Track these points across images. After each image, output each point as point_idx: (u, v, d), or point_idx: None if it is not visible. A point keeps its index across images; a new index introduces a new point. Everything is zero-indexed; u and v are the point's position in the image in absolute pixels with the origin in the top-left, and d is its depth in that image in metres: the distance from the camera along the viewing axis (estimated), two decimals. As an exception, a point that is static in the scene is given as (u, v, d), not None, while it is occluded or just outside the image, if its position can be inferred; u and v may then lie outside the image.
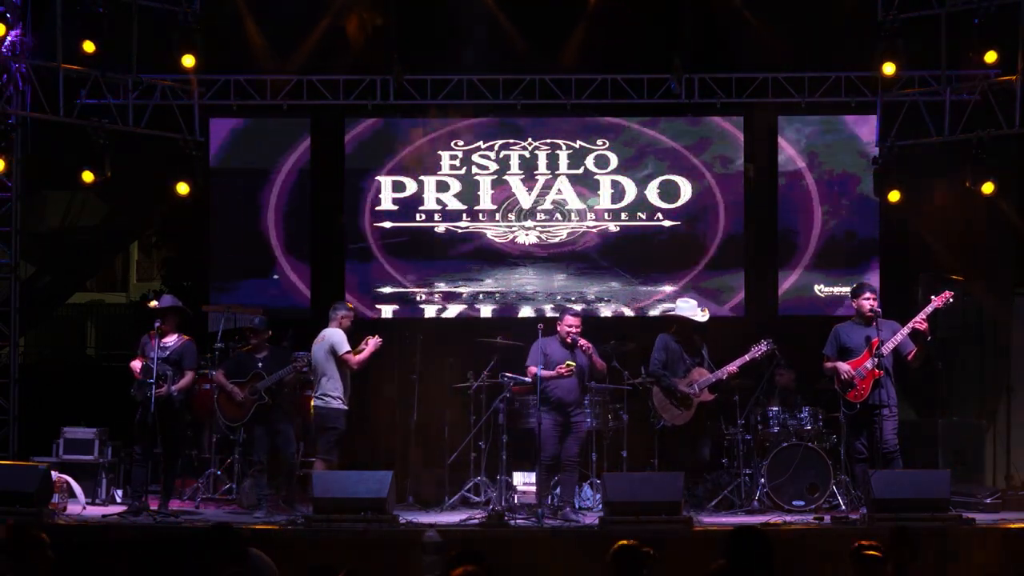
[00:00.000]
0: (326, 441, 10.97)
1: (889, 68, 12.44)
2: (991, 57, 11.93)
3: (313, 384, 11.22)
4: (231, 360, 11.65)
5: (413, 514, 11.02)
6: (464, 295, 13.69)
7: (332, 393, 10.99)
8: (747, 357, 11.05)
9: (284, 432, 11.28)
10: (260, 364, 11.30)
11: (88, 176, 12.31)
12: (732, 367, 11.00)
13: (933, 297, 10.48)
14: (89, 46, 11.93)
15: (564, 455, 10.95)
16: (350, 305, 11.65)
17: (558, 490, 11.18)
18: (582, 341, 10.95)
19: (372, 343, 11.01)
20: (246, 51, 13.11)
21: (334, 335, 11.08)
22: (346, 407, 11.05)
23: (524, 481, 11.71)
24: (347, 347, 10.99)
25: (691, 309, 11.22)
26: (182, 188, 12.93)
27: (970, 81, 12.61)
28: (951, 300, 10.41)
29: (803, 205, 13.62)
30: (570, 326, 11.02)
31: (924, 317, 10.36)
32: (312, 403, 11.13)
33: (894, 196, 12.80)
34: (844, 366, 10.52)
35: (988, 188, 12.19)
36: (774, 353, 11.27)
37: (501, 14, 13.08)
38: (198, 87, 13.19)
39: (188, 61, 12.53)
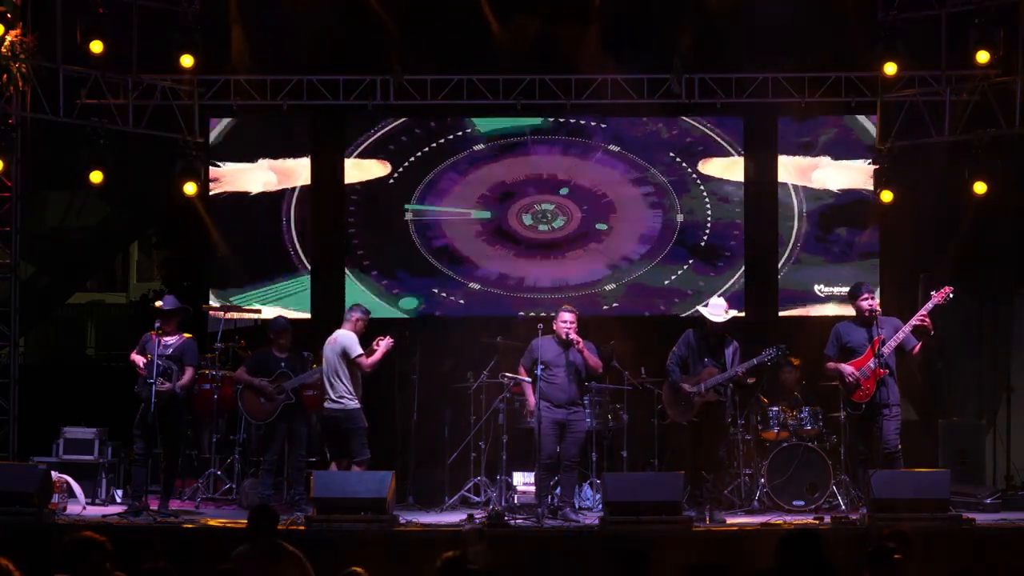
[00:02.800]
0: (356, 443, 11.02)
1: (891, 68, 12.44)
2: (983, 57, 11.90)
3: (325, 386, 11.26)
4: (252, 359, 11.68)
5: (413, 514, 11.04)
6: (466, 295, 13.72)
7: (348, 395, 11.04)
8: (755, 361, 10.94)
9: (300, 433, 11.42)
10: (283, 364, 11.36)
11: (97, 176, 12.29)
12: (740, 369, 10.89)
13: (933, 293, 10.48)
14: (97, 46, 11.89)
15: (563, 456, 10.93)
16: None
17: (558, 490, 11.17)
18: (575, 338, 10.93)
19: (384, 345, 11.03)
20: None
21: (346, 337, 11.10)
22: (360, 405, 11.12)
23: (524, 481, 11.69)
24: (359, 350, 11.01)
25: (710, 308, 11.01)
26: (189, 189, 12.93)
27: (970, 81, 12.61)
28: (951, 296, 10.41)
29: (803, 205, 13.63)
30: (564, 322, 11.00)
31: (925, 313, 10.36)
32: (325, 406, 11.14)
33: (887, 196, 12.79)
34: (848, 368, 10.50)
35: (980, 188, 12.19)
36: (784, 356, 11.21)
37: (501, 13, 13.06)
38: (198, 87, 13.20)
39: (187, 61, 12.52)
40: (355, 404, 11.04)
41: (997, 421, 12.83)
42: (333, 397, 11.06)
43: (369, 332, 11.25)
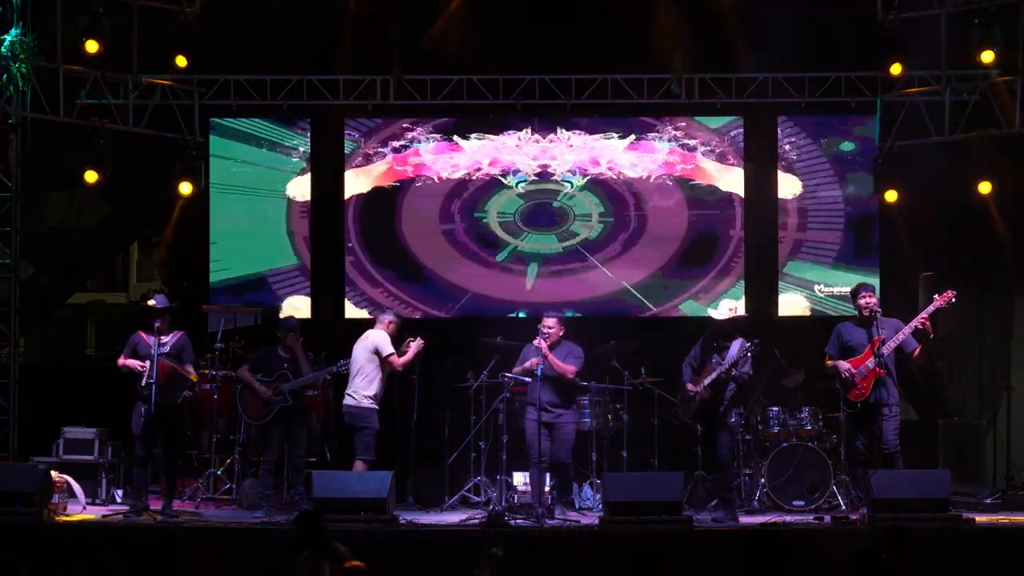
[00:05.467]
0: (363, 441, 11.07)
1: (896, 68, 12.46)
2: (988, 57, 11.92)
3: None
4: (256, 356, 11.67)
5: (413, 514, 11.04)
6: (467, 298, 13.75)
7: (364, 392, 11.09)
8: (734, 356, 10.89)
9: (298, 433, 11.40)
10: (286, 365, 11.38)
11: (92, 176, 12.31)
12: (723, 367, 10.71)
13: (936, 296, 10.45)
14: (93, 46, 11.90)
15: (554, 457, 10.92)
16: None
17: (555, 492, 11.17)
18: (539, 343, 10.95)
19: (415, 346, 11.15)
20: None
21: (379, 336, 11.20)
22: (377, 406, 11.16)
23: (524, 481, 11.67)
24: (391, 349, 11.13)
25: (719, 310, 10.99)
26: (185, 188, 12.94)
27: (970, 81, 12.62)
28: (953, 299, 10.39)
29: (802, 204, 13.63)
30: (543, 327, 11.05)
31: (927, 316, 10.34)
32: (344, 401, 11.22)
33: (891, 196, 12.82)
34: (845, 364, 10.50)
35: (985, 188, 12.20)
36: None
37: (501, 13, 13.07)
38: (198, 87, 13.20)
39: (181, 62, 12.55)
40: (370, 404, 11.09)
41: (997, 421, 12.84)
42: (350, 392, 11.14)
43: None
